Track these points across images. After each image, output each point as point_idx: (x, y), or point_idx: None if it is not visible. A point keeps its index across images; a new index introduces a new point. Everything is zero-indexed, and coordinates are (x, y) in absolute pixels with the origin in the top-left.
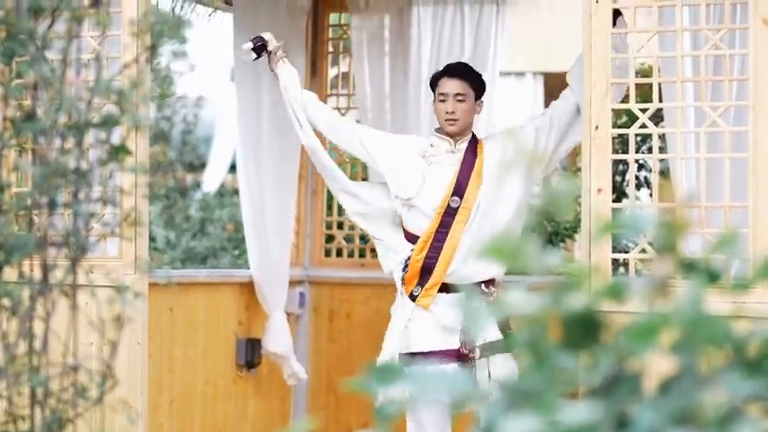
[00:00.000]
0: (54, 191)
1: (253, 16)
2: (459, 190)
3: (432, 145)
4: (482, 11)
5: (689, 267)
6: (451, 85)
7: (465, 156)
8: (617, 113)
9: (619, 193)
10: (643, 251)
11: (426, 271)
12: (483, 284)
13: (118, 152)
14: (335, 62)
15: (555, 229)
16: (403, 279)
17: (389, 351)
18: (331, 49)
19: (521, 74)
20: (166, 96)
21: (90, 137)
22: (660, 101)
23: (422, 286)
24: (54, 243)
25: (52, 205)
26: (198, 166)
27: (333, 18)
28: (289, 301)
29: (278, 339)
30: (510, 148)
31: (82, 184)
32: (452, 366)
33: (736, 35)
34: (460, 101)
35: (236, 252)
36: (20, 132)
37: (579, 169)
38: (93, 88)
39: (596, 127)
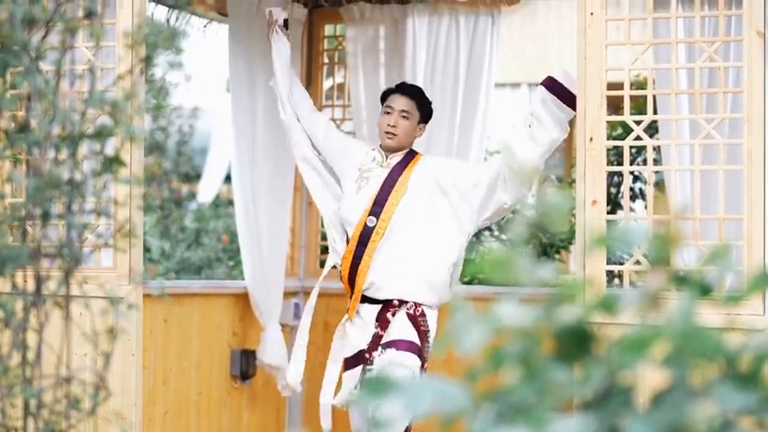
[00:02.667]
0: (48, 202)
1: (248, 27)
2: (376, 209)
3: (373, 159)
4: (477, 22)
5: (682, 280)
6: (400, 102)
7: (391, 173)
8: (612, 125)
9: (613, 205)
10: (637, 263)
11: (351, 284)
12: (397, 301)
13: (112, 163)
14: (331, 73)
15: (550, 241)
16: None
17: (334, 356)
18: (326, 60)
19: (516, 85)
20: (161, 108)
21: (84, 148)
22: (655, 113)
23: (350, 298)
24: (48, 254)
25: (46, 216)
26: (193, 177)
27: (328, 29)
28: (283, 312)
29: (273, 350)
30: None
31: (76, 196)
32: (358, 369)
33: (730, 47)
34: (404, 117)
35: (231, 263)
36: (14, 143)
37: (574, 181)
38: (87, 99)
39: (591, 139)
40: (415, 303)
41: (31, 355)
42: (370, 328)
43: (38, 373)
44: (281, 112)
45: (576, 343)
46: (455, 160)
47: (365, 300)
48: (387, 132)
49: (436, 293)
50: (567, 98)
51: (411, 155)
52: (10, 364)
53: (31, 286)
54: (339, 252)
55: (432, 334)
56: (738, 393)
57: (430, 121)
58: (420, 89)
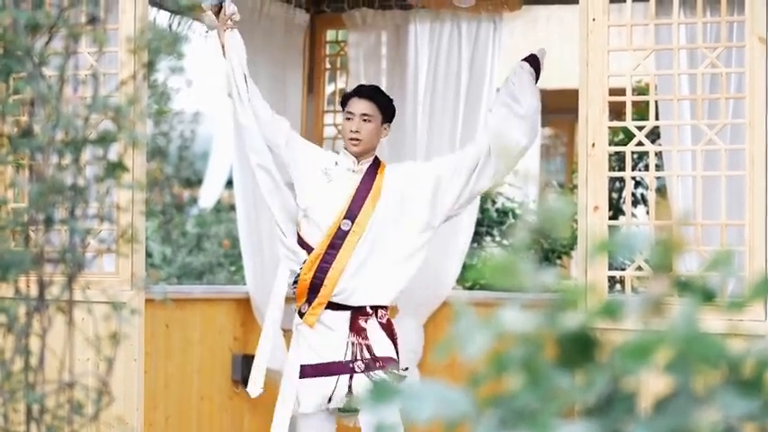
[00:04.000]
0: (51, 207)
1: (250, 33)
2: (351, 213)
3: (336, 163)
4: (479, 28)
5: (684, 286)
6: (359, 106)
7: (364, 178)
8: (614, 131)
9: (615, 211)
10: (639, 269)
11: (313, 289)
12: (369, 308)
13: (115, 169)
14: (332, 79)
15: (551, 247)
16: (294, 294)
17: (291, 362)
18: (328, 65)
19: None
20: (163, 113)
21: (87, 153)
22: (657, 119)
23: (309, 304)
24: (50, 259)
25: (49, 222)
26: (195, 182)
27: (330, 35)
28: (285, 317)
29: (274, 355)
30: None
31: (78, 201)
32: (333, 379)
33: (732, 53)
34: (366, 121)
35: (233, 268)
36: (17, 149)
37: (576, 186)
38: (90, 105)
39: (593, 144)
40: (383, 310)
41: (33, 360)
42: (341, 337)
43: (40, 378)
44: (240, 115)
45: (578, 349)
46: (419, 162)
47: (329, 306)
48: (351, 139)
49: (394, 295)
50: (538, 73)
51: (377, 161)
52: (13, 369)
53: (33, 291)
54: (295, 250)
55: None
56: (741, 399)
57: (432, 127)
58: (379, 90)
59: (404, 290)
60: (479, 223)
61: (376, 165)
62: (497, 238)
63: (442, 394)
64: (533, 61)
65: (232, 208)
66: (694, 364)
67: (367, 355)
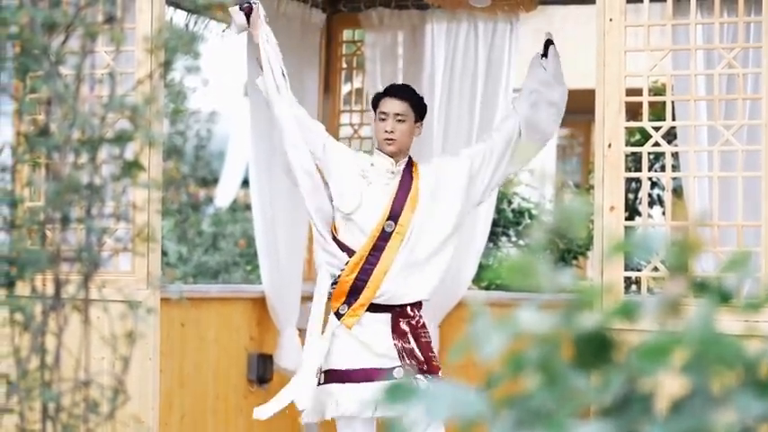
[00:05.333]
0: (67, 206)
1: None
2: (394, 214)
3: (372, 164)
4: (496, 28)
5: (701, 287)
6: (392, 105)
7: (403, 178)
8: (630, 131)
9: (631, 211)
10: (655, 269)
11: (355, 291)
12: (409, 306)
13: (131, 168)
14: (349, 78)
15: (567, 247)
16: (330, 295)
17: (311, 366)
18: (344, 65)
19: None
20: (180, 113)
21: (103, 152)
22: (673, 119)
23: (349, 305)
24: (67, 258)
25: (65, 220)
26: (211, 181)
27: (347, 34)
28: (301, 316)
29: (290, 355)
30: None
31: (95, 200)
32: (371, 386)
33: (749, 54)
34: (400, 121)
35: (249, 267)
36: (33, 147)
37: (592, 187)
38: (106, 104)
39: (609, 145)
40: (417, 312)
41: (49, 359)
42: (384, 341)
43: (56, 377)
44: (278, 109)
45: (594, 349)
46: (447, 156)
47: (369, 308)
48: (386, 139)
49: (430, 291)
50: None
51: (410, 161)
52: (29, 368)
53: (50, 290)
54: (335, 253)
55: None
56: (758, 401)
57: (448, 127)
58: (411, 88)
59: (439, 282)
60: (495, 223)
61: (410, 164)
62: (513, 239)
63: (458, 395)
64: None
65: (248, 207)
66: (711, 366)
67: (409, 361)
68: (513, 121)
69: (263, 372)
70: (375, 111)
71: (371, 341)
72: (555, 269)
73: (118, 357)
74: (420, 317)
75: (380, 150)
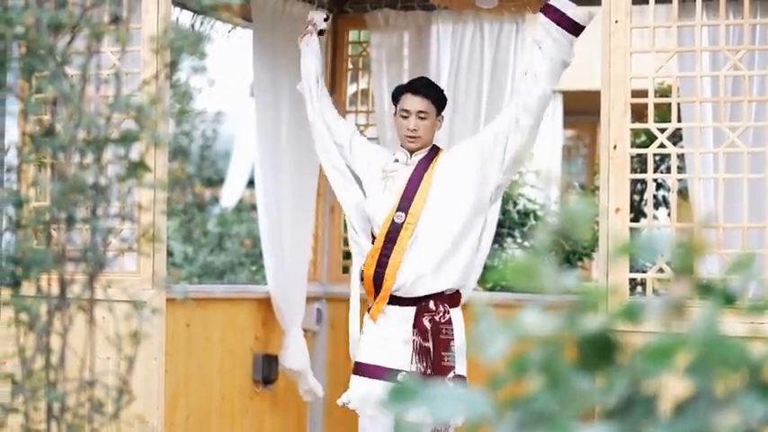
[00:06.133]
0: (72, 206)
1: (272, 32)
2: (402, 206)
3: (396, 159)
4: (501, 29)
5: (705, 288)
6: (414, 103)
7: (416, 169)
8: (636, 133)
9: (637, 213)
10: (660, 271)
11: (378, 284)
12: (433, 301)
13: (136, 168)
14: (355, 79)
15: (573, 248)
16: (363, 289)
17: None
18: (350, 65)
19: None
20: (186, 113)
21: (109, 153)
22: (679, 121)
23: (374, 299)
24: (72, 258)
25: (70, 220)
26: (216, 182)
27: (352, 35)
28: (306, 317)
29: (295, 356)
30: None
31: (100, 200)
32: (374, 383)
33: (755, 56)
34: (423, 118)
35: (254, 267)
36: (39, 148)
37: (597, 188)
38: (112, 104)
39: (615, 146)
40: (444, 308)
41: (54, 359)
42: (404, 338)
43: (61, 377)
44: (309, 113)
45: (599, 351)
46: (466, 139)
47: (395, 301)
48: (408, 137)
49: (462, 277)
50: (569, 24)
51: (434, 151)
52: (34, 368)
53: (55, 290)
54: (361, 245)
55: (458, 335)
56: (762, 403)
57: (454, 127)
58: (431, 84)
59: (464, 275)
60: (501, 224)
61: (431, 155)
62: (519, 240)
63: (462, 396)
64: (556, 15)
65: (253, 207)
66: (715, 368)
67: (420, 361)
68: (512, 108)
69: (268, 372)
70: (396, 105)
71: (391, 336)
72: (560, 270)
73: (123, 357)
74: (445, 312)
75: (402, 146)
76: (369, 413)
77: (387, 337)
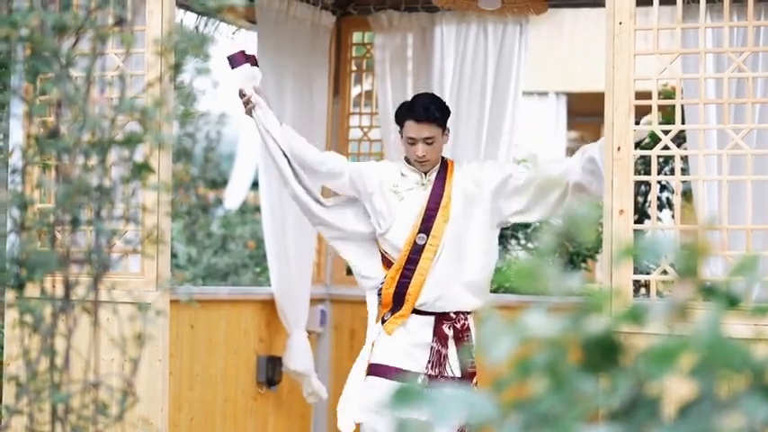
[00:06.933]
0: (77, 208)
1: (276, 34)
2: (425, 227)
3: (402, 174)
4: (505, 30)
5: (709, 291)
6: (419, 131)
7: (433, 189)
8: None
9: (641, 214)
10: (664, 273)
11: (398, 302)
12: (455, 314)
13: (141, 170)
14: (358, 81)
15: (576, 250)
16: (379, 303)
17: (359, 369)
18: (354, 67)
19: (543, 93)
20: (190, 115)
21: (113, 155)
22: (683, 122)
23: (392, 313)
24: (76, 260)
25: (75, 222)
26: (220, 183)
27: (356, 37)
28: (310, 318)
29: (299, 357)
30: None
31: (104, 202)
32: (386, 383)
33: (759, 57)
34: (430, 143)
35: (258, 269)
36: (43, 150)
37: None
38: (116, 106)
39: (618, 148)
40: (464, 316)
41: (59, 361)
42: (426, 341)
43: (66, 379)
44: (292, 193)
45: (603, 353)
46: (488, 161)
47: (414, 312)
48: (419, 162)
49: (483, 297)
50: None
51: (443, 165)
52: (38, 369)
53: (59, 292)
54: (373, 278)
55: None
56: (765, 405)
57: (458, 130)
58: (433, 107)
59: (486, 291)
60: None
61: (443, 171)
62: (523, 242)
63: (466, 398)
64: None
65: (257, 209)
66: (718, 370)
67: (438, 370)
68: (567, 173)
69: (272, 374)
70: (399, 127)
71: (410, 341)
72: (563, 272)
73: (127, 359)
74: (466, 320)
75: (411, 165)
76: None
77: (405, 342)
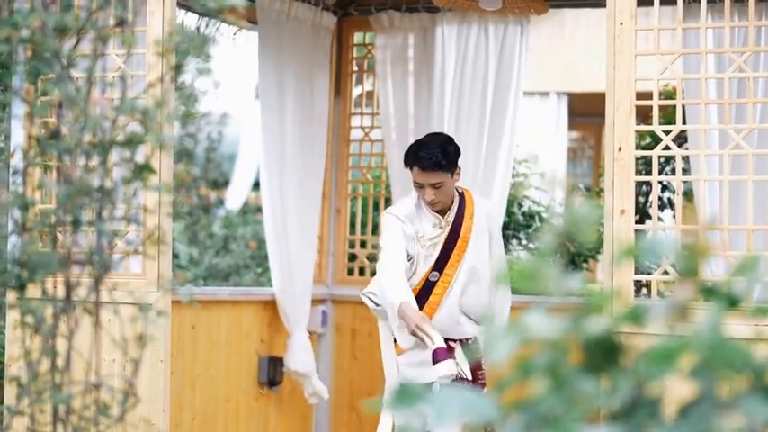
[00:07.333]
0: (78, 209)
1: (277, 35)
2: (439, 266)
3: (419, 214)
4: (506, 31)
5: (710, 291)
6: (426, 178)
7: (451, 231)
8: (640, 135)
9: (642, 215)
10: (665, 273)
11: None
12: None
13: (142, 171)
14: (360, 81)
15: (578, 250)
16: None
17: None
18: (355, 67)
19: (545, 93)
20: (191, 115)
21: (114, 155)
22: (684, 123)
23: None
24: (77, 261)
25: (76, 223)
26: (221, 184)
27: (357, 37)
28: (311, 319)
29: (300, 358)
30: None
31: (106, 203)
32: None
33: (760, 58)
34: (438, 187)
35: (259, 270)
36: (45, 151)
37: (602, 190)
38: (117, 107)
39: (620, 148)
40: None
41: (60, 362)
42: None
43: (67, 379)
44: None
45: (603, 353)
46: (499, 219)
47: None
48: (429, 204)
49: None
50: None
51: (461, 198)
52: (40, 370)
53: (60, 293)
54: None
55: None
56: (766, 405)
57: (459, 130)
58: (441, 153)
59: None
60: (506, 227)
61: (461, 207)
62: (524, 242)
63: (467, 399)
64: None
65: (259, 210)
66: (719, 370)
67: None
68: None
69: (273, 374)
70: (410, 170)
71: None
72: (565, 273)
73: (128, 360)
74: (475, 336)
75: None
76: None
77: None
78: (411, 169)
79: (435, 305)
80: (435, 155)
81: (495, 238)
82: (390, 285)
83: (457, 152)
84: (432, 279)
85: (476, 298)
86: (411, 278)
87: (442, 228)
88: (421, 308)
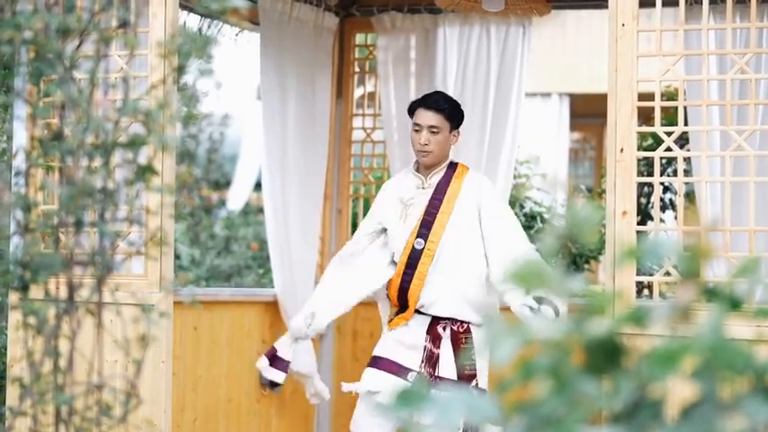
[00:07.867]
0: (80, 210)
1: (279, 36)
2: (422, 232)
3: (406, 181)
4: (508, 31)
5: (712, 292)
6: (426, 117)
7: (435, 191)
8: (642, 136)
9: (644, 216)
10: (667, 274)
11: (402, 303)
12: (457, 322)
13: (144, 172)
14: (361, 82)
15: (579, 252)
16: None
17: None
18: (357, 69)
19: (546, 94)
20: (193, 117)
21: (117, 156)
22: (686, 124)
23: (398, 314)
24: (80, 262)
25: (78, 224)
26: (223, 185)
27: (359, 38)
28: None
29: (302, 358)
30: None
31: (108, 204)
32: (391, 379)
33: (762, 59)
34: (434, 132)
35: (261, 270)
36: (47, 152)
37: (604, 191)
38: (120, 108)
39: (621, 149)
40: (462, 321)
41: (62, 362)
42: (420, 342)
43: (69, 380)
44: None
45: (605, 355)
46: (499, 202)
47: (416, 312)
48: (420, 151)
49: (481, 312)
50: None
51: (452, 167)
52: (42, 371)
53: (63, 294)
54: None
55: (478, 348)
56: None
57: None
58: (445, 99)
59: (483, 304)
60: None
61: (449, 174)
62: None
63: (469, 400)
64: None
65: (260, 210)
66: (721, 372)
67: (430, 369)
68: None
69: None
70: (411, 117)
71: (408, 339)
72: (566, 274)
73: (131, 361)
74: (463, 321)
75: (416, 163)
76: (371, 404)
77: (404, 339)
78: (412, 115)
79: (423, 275)
80: (441, 98)
81: (504, 221)
82: (316, 294)
83: (461, 113)
84: (417, 247)
85: (467, 278)
86: (395, 245)
87: (424, 189)
88: (410, 278)
